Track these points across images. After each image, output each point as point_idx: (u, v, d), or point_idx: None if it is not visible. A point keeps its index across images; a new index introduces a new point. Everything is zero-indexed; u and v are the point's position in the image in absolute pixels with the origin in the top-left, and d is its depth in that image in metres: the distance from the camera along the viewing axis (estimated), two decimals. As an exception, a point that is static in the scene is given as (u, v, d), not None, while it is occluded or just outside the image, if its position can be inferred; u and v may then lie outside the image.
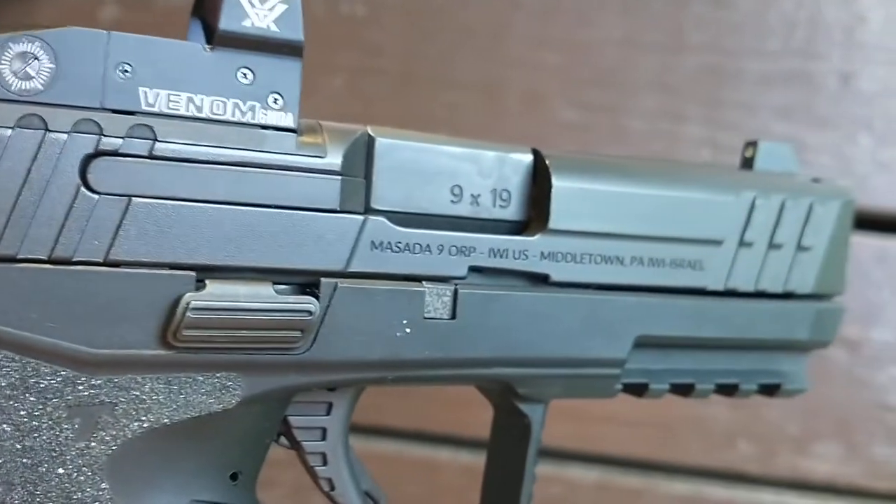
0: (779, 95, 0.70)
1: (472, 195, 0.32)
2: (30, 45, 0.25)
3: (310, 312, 0.29)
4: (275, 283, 0.29)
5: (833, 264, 0.39)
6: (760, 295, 0.37)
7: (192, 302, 0.27)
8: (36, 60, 0.26)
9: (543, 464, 0.72)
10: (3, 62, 0.25)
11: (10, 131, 0.25)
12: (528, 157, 0.33)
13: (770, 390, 0.39)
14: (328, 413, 0.33)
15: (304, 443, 0.33)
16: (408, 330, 0.31)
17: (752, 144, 0.39)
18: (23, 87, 0.26)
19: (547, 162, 0.33)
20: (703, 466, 0.70)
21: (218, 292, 0.27)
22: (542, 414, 0.36)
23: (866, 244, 0.70)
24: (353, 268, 0.30)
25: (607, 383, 0.35)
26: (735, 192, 0.36)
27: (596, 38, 0.71)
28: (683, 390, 0.38)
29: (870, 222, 0.70)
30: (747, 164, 0.39)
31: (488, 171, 0.32)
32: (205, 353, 0.28)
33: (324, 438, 0.33)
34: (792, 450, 0.70)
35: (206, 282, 0.27)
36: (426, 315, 0.31)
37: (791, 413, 0.70)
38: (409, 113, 0.72)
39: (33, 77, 0.26)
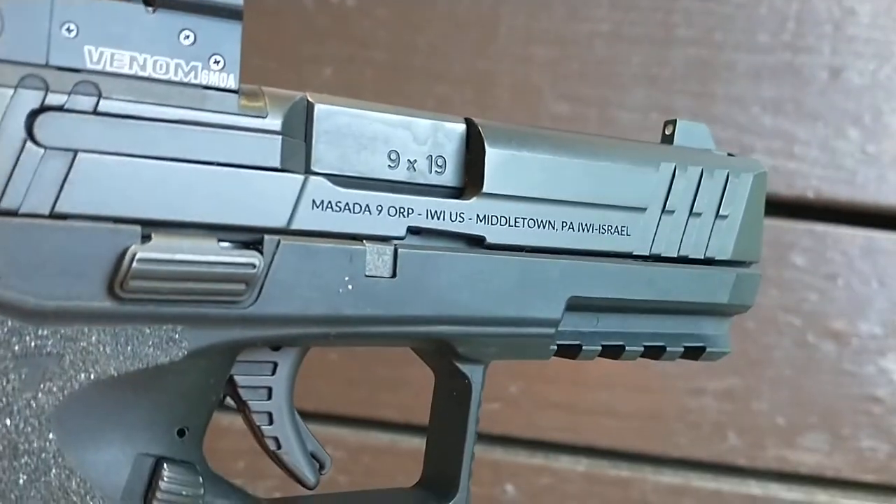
0: (768, 89, 0.70)
1: (408, 161, 0.34)
2: None
3: (253, 266, 0.29)
4: (220, 240, 0.29)
5: (749, 233, 0.41)
6: (683, 260, 0.39)
7: (139, 253, 0.27)
8: None
9: (533, 455, 0.73)
10: None
11: None
12: (462, 126, 0.35)
13: (695, 353, 0.41)
14: (273, 373, 0.34)
15: (250, 402, 0.34)
16: (350, 287, 0.32)
17: (672, 123, 0.42)
18: None
19: (480, 129, 0.34)
20: (691, 458, 0.71)
21: (164, 245, 0.28)
22: (482, 375, 0.37)
23: (854, 237, 0.70)
24: (296, 225, 0.31)
25: (542, 343, 0.37)
26: (657, 163, 0.38)
27: (586, 31, 0.71)
28: (614, 352, 0.39)
29: (858, 215, 0.70)
30: (667, 140, 0.42)
31: (423, 139, 0.34)
32: (151, 304, 0.28)
33: (269, 398, 0.34)
34: (780, 442, 0.70)
35: (153, 235, 0.28)
36: (367, 273, 0.32)
37: (779, 405, 0.70)
38: (398, 105, 0.72)
39: None
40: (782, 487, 0.71)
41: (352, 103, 0.33)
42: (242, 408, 0.34)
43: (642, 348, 0.39)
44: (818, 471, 0.70)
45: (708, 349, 0.41)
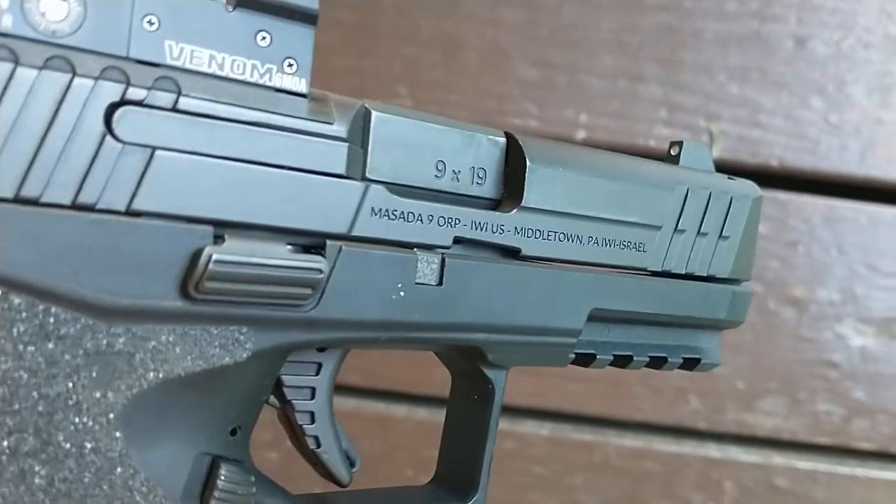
0: (735, 57, 0.71)
1: (453, 171, 0.34)
2: None
3: (320, 271, 0.30)
4: (287, 244, 0.30)
5: (745, 252, 0.43)
6: (689, 276, 0.41)
7: (215, 255, 0.27)
8: (65, 2, 0.25)
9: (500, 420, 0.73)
10: (32, 1, 0.25)
11: (36, 72, 0.25)
12: (503, 139, 0.36)
13: (691, 364, 0.43)
14: (317, 373, 0.35)
15: (294, 401, 0.34)
16: (402, 294, 0.32)
17: (678, 144, 0.43)
18: (50, 28, 0.25)
19: (521, 144, 0.35)
20: (653, 422, 0.72)
21: (238, 247, 0.28)
22: (504, 380, 0.38)
23: (815, 205, 0.71)
24: (356, 232, 0.31)
25: (563, 352, 0.38)
26: (673, 185, 0.40)
27: (556, -6, 0.70)
28: (622, 362, 0.41)
29: (819, 184, 0.71)
30: (672, 160, 0.43)
31: (467, 149, 0.34)
32: (220, 305, 0.28)
33: (312, 398, 0.35)
34: (739, 405, 0.72)
35: (226, 236, 0.28)
36: (417, 281, 0.33)
37: (739, 370, 0.72)
38: (366, 66, 0.71)
39: (61, 19, 0.25)
40: (740, 450, 0.73)
41: (403, 111, 0.33)
42: (286, 407, 0.34)
43: (647, 359, 0.41)
44: (775, 434, 0.72)
45: (703, 361, 0.43)
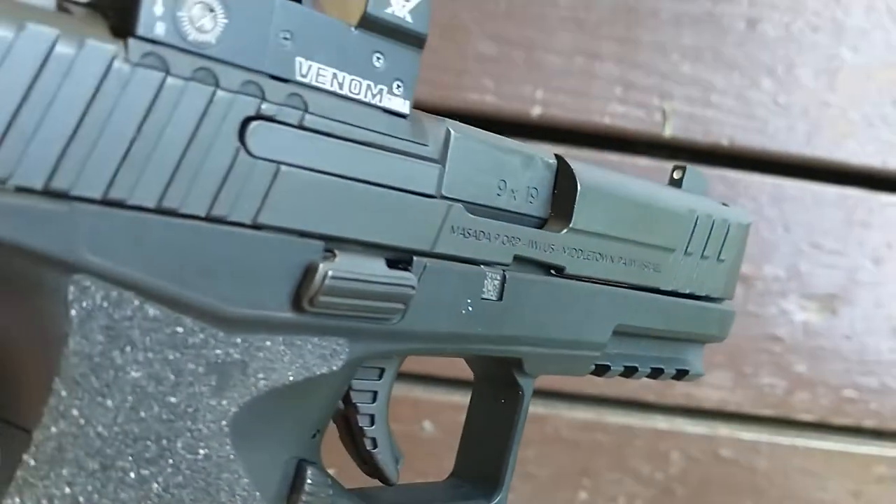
0: (689, 37, 0.72)
1: (511, 190, 0.35)
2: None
3: (413, 287, 0.31)
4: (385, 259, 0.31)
5: (734, 274, 0.47)
6: (690, 296, 0.44)
7: (330, 271, 0.28)
8: (212, 13, 0.25)
9: (451, 393, 0.74)
10: (183, 10, 0.24)
11: (183, 83, 0.25)
12: (554, 161, 0.37)
13: (681, 375, 0.46)
14: (380, 377, 0.36)
15: (359, 404, 0.35)
16: (470, 308, 0.34)
17: (682, 168, 0.46)
18: (198, 39, 0.25)
19: (572, 168, 0.37)
20: (603, 395, 0.74)
21: (348, 263, 0.29)
22: (532, 386, 0.40)
23: (763, 184, 0.73)
24: (437, 249, 0.33)
25: (587, 363, 0.41)
26: (686, 210, 0.43)
27: (514, -30, 0.70)
28: (629, 372, 0.44)
29: (767, 163, 0.73)
30: (675, 183, 0.46)
31: (526, 171, 0.36)
32: (326, 318, 0.30)
33: (374, 401, 0.36)
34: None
35: (336, 252, 0.29)
36: (483, 296, 0.34)
37: (687, 344, 0.73)
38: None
39: (209, 31, 0.25)
40: (687, 421, 0.75)
41: (474, 132, 0.34)
42: (349, 409, 0.35)
43: (649, 370, 0.44)
44: (721, 405, 0.74)
45: (690, 372, 0.46)
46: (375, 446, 0.36)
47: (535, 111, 0.71)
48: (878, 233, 0.74)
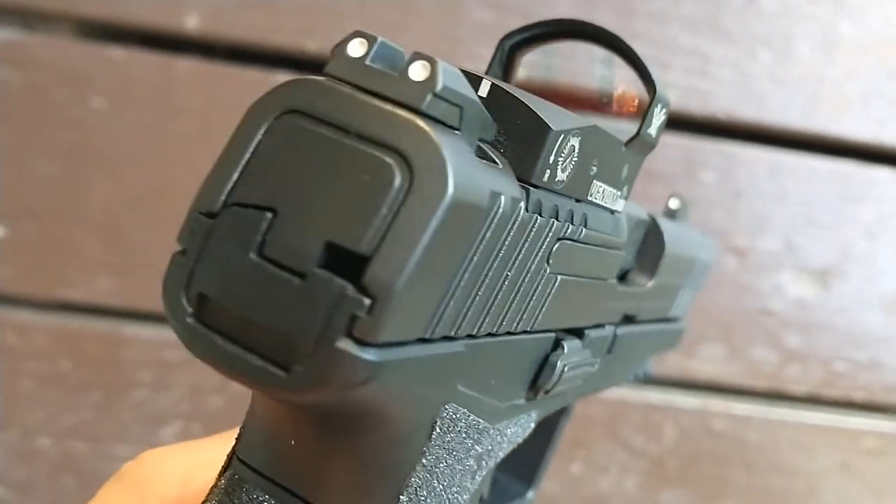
0: (687, 7, 0.71)
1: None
2: (575, 140, 0.26)
3: (593, 364, 0.33)
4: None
5: (693, 295, 0.50)
6: (670, 319, 0.47)
7: (566, 364, 0.30)
8: (572, 152, 0.26)
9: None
10: (562, 155, 0.25)
11: (546, 220, 0.25)
12: (647, 219, 0.38)
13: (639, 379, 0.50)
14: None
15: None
16: (597, 366, 0.35)
17: (678, 198, 0.48)
18: (560, 178, 0.26)
19: (662, 230, 0.38)
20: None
21: (572, 351, 0.31)
22: (575, 405, 0.42)
23: (759, 158, 0.73)
24: (601, 321, 0.35)
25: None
26: (694, 248, 0.45)
27: (513, -64, 0.69)
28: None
29: (764, 136, 0.73)
30: (671, 214, 0.47)
31: (635, 231, 0.37)
32: (545, 399, 0.32)
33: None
34: (680, 351, 0.74)
35: (563, 343, 0.30)
36: (605, 352, 0.36)
37: (682, 317, 0.73)
38: (316, 4, 0.69)
39: (567, 170, 0.26)
40: (681, 394, 0.75)
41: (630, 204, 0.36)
42: None
43: (633, 377, 0.47)
44: (714, 378, 0.74)
45: (646, 374, 0.50)
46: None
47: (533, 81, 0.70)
48: (872, 207, 0.74)
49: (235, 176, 0.20)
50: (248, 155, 0.20)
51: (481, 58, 0.70)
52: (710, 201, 0.72)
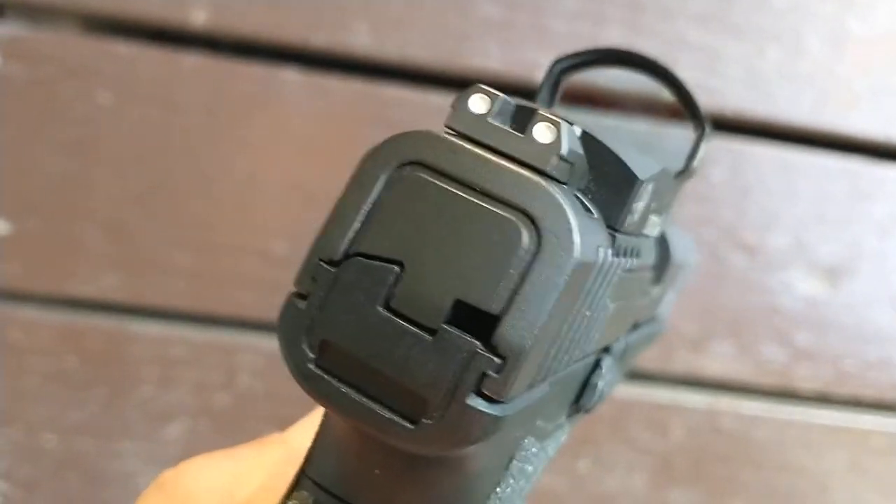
0: (697, 3, 0.71)
1: None
2: (651, 184, 0.26)
3: (618, 377, 0.34)
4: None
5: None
6: (653, 319, 0.48)
7: (605, 385, 0.31)
8: (646, 199, 0.26)
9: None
10: (639, 200, 0.25)
11: (612, 259, 0.25)
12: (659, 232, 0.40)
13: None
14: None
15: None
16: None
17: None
18: (635, 220, 0.26)
19: (669, 242, 0.39)
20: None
21: (608, 370, 0.31)
22: None
23: (769, 155, 0.73)
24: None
25: None
26: (682, 260, 0.45)
27: (520, -69, 0.69)
28: None
29: (773, 133, 0.72)
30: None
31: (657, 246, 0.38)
32: (581, 415, 0.32)
33: None
34: (688, 349, 0.73)
35: (601, 362, 0.31)
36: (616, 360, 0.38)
37: (690, 314, 0.73)
38: (320, 0, 0.68)
39: (638, 213, 0.26)
40: (689, 391, 0.74)
41: None
42: None
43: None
44: (723, 376, 0.74)
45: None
46: None
47: (540, 76, 0.69)
48: (883, 205, 0.74)
49: (357, 225, 0.20)
50: (368, 204, 0.20)
51: (490, 55, 0.70)
52: (718, 198, 0.72)
